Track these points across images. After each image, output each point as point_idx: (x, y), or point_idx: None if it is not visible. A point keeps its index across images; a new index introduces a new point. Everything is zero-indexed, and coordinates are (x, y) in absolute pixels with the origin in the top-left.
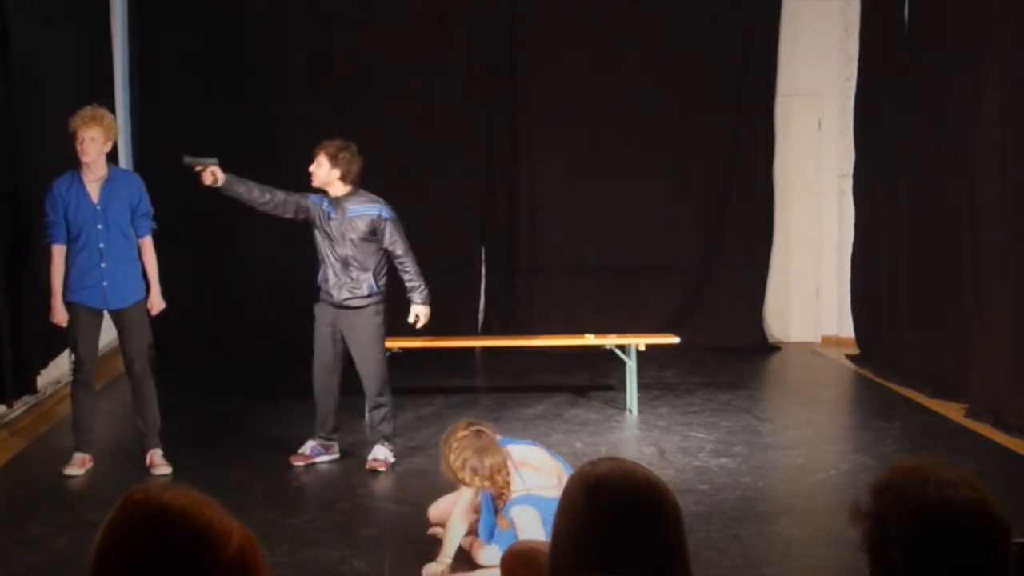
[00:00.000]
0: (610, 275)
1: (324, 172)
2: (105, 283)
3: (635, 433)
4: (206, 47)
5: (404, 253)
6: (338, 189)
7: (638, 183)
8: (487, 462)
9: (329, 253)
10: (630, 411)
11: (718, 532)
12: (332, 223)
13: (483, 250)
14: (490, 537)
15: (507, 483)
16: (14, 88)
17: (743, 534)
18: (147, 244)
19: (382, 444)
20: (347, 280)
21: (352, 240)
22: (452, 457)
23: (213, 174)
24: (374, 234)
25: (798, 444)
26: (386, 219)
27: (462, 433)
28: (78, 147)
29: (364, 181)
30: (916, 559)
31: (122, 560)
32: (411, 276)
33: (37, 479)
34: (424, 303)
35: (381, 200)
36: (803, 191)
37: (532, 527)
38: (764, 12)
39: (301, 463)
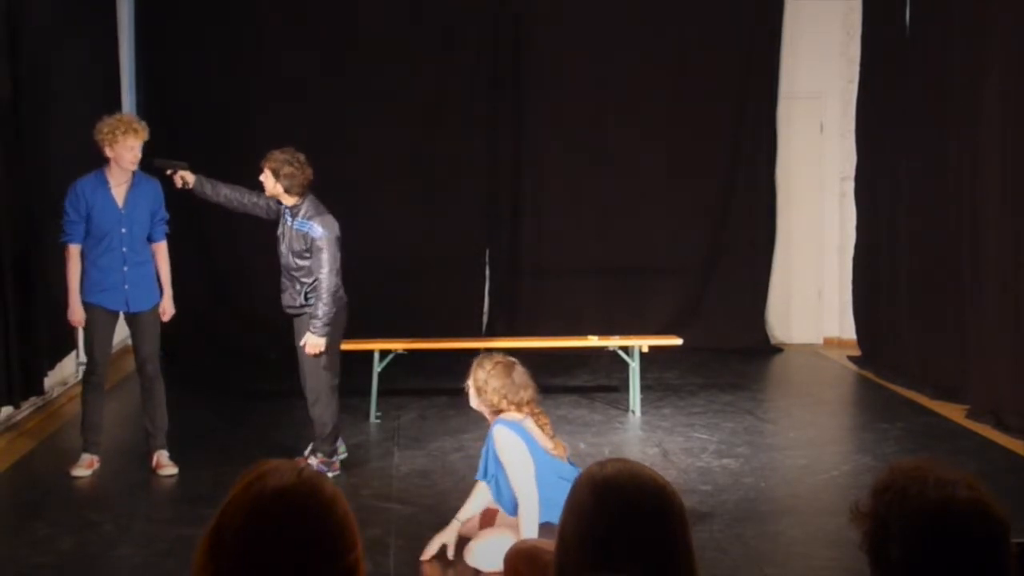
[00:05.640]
0: (613, 277)
1: (270, 185)
2: (127, 286)
3: (638, 434)
4: (212, 52)
5: (323, 277)
6: (287, 200)
7: (641, 185)
8: (521, 394)
9: (280, 257)
10: (633, 412)
11: (721, 532)
12: (285, 228)
13: (487, 252)
14: (484, 475)
15: (537, 412)
16: (23, 93)
17: (746, 534)
18: (162, 249)
19: (315, 455)
20: (289, 286)
21: (294, 250)
22: (481, 374)
23: (183, 178)
24: (309, 251)
25: (800, 445)
26: (315, 239)
27: (498, 359)
28: (123, 154)
29: (369, 182)
30: (916, 559)
31: (265, 526)
32: (317, 303)
33: (44, 480)
34: (316, 333)
35: (328, 216)
36: (805, 193)
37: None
38: (766, 15)
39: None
